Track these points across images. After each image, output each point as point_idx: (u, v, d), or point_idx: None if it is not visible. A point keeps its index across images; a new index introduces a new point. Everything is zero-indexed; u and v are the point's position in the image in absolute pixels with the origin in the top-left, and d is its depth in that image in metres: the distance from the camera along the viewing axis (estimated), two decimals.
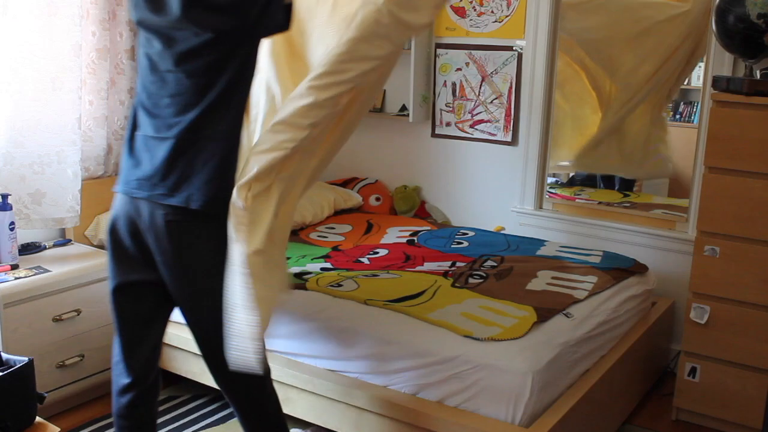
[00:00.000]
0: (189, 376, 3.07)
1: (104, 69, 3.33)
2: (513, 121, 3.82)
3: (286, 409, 2.50)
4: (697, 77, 3.71)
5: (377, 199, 4.16)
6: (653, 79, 3.69)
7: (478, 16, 3.84)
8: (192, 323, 2.18)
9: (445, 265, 3.17)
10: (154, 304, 2.21)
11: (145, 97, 2.12)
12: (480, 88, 3.89)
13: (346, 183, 4.23)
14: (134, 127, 2.15)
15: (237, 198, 2.04)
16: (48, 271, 2.92)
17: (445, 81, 3.99)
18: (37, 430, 1.88)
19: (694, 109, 3.85)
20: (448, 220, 4.10)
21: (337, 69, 2.09)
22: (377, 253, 3.34)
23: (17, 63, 2.96)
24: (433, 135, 4.09)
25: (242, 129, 2.13)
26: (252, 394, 2.25)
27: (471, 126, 3.96)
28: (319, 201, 3.81)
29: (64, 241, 3.25)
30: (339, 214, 3.91)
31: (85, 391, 3.08)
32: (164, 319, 2.29)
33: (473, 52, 3.88)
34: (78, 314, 2.97)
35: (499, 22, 3.78)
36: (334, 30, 2.23)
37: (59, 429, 1.90)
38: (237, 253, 2.02)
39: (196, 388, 3.14)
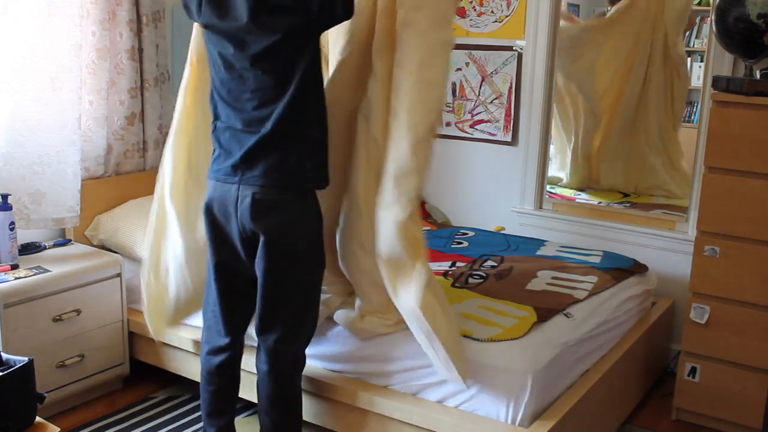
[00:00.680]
0: (189, 376, 3.07)
1: (104, 69, 3.32)
2: (513, 121, 3.81)
3: None
4: (697, 77, 3.71)
5: None
6: (621, 100, 3.81)
7: (478, 16, 3.84)
8: (269, 289, 2.38)
9: (445, 265, 3.17)
10: (248, 279, 2.44)
11: (225, 92, 2.31)
12: (480, 88, 3.89)
13: None
14: (215, 117, 2.37)
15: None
16: (48, 271, 2.92)
17: None
18: (37, 430, 1.88)
19: (694, 109, 3.85)
20: (448, 220, 4.10)
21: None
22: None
23: (17, 63, 2.96)
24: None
25: (325, 114, 2.35)
26: (285, 378, 2.46)
27: (471, 126, 3.96)
28: None
29: (64, 241, 3.25)
30: None
31: (85, 391, 3.08)
32: (255, 297, 2.48)
33: (473, 52, 3.88)
34: (78, 314, 2.97)
35: (499, 22, 3.78)
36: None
37: (59, 429, 1.90)
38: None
39: (196, 388, 3.13)
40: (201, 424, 2.92)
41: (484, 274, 3.05)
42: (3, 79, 2.95)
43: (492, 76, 3.84)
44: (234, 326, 2.52)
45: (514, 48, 3.75)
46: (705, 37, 3.74)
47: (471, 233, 3.69)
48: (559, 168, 3.99)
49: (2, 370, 1.84)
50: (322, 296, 2.56)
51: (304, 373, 2.60)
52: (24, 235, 3.14)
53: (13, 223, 2.91)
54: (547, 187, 3.85)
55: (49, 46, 3.02)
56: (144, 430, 2.92)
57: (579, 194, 3.92)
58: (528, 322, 2.56)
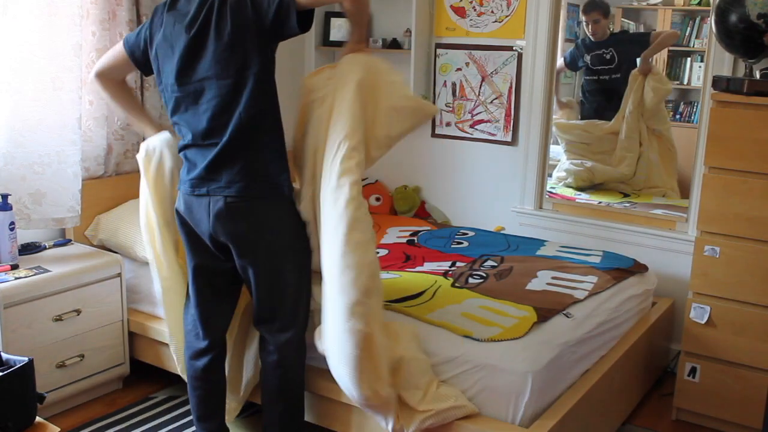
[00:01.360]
0: None
1: None
2: (513, 121, 3.81)
3: None
4: (697, 77, 3.71)
5: (377, 199, 4.16)
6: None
7: (478, 16, 3.84)
8: (260, 286, 2.44)
9: (445, 265, 3.17)
10: (229, 276, 2.51)
11: (181, 110, 2.38)
12: (480, 88, 3.89)
13: None
14: (182, 135, 2.43)
15: None
16: (48, 271, 2.92)
17: (445, 81, 3.99)
18: (37, 430, 1.88)
19: (694, 109, 3.85)
20: (448, 220, 4.10)
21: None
22: (377, 253, 3.34)
23: (17, 63, 2.96)
24: (433, 135, 4.09)
25: (280, 121, 2.39)
26: (287, 372, 2.51)
27: (471, 126, 3.96)
28: None
29: (64, 241, 3.24)
30: None
31: (85, 391, 3.08)
32: (235, 296, 2.62)
33: (473, 52, 3.88)
34: (78, 314, 2.97)
35: (499, 22, 3.78)
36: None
37: (59, 429, 1.90)
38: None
39: None
40: None
41: (484, 274, 3.05)
42: (3, 79, 2.95)
43: (492, 76, 3.84)
44: (214, 328, 2.57)
45: (514, 48, 3.75)
46: (705, 37, 3.74)
47: (471, 233, 3.69)
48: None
49: (2, 370, 1.84)
50: None
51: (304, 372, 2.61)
52: (24, 235, 3.14)
53: (13, 223, 2.91)
54: (547, 187, 3.85)
55: (49, 46, 3.02)
56: (144, 430, 2.92)
57: (579, 194, 3.93)
58: (528, 322, 2.56)
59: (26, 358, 1.91)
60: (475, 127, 3.94)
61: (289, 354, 2.52)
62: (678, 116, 3.99)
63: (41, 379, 2.17)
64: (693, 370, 3.05)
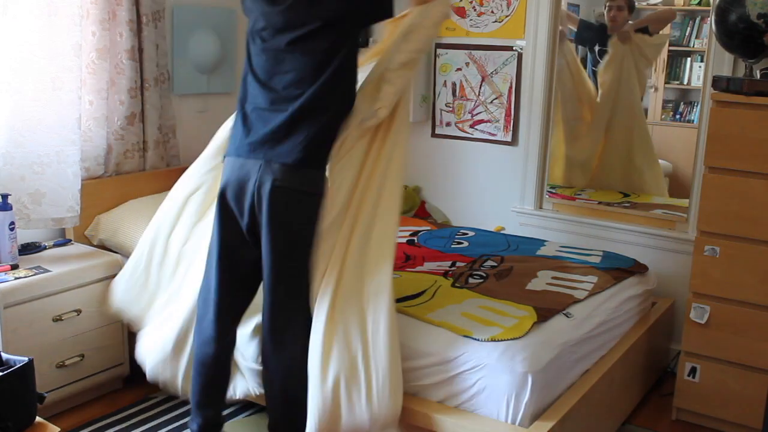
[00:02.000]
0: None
1: (104, 69, 3.32)
2: (513, 121, 3.81)
3: None
4: (697, 77, 3.71)
5: None
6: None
7: (478, 16, 3.84)
8: (273, 273, 2.40)
9: (445, 265, 3.17)
10: (251, 267, 2.47)
11: (258, 70, 2.38)
12: (480, 88, 3.89)
13: None
14: (244, 98, 2.43)
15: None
16: (48, 271, 2.92)
17: (445, 81, 3.99)
18: (37, 430, 1.88)
19: (694, 109, 3.85)
20: (448, 220, 4.10)
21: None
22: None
23: (17, 63, 2.96)
24: (433, 135, 4.09)
25: (353, 102, 2.42)
26: (294, 367, 2.46)
27: (471, 126, 3.96)
28: None
29: (64, 241, 3.24)
30: None
31: (85, 391, 3.08)
32: (253, 291, 2.56)
33: (473, 52, 3.88)
34: (78, 314, 2.97)
35: (499, 22, 3.78)
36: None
37: (59, 429, 1.90)
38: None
39: None
40: None
41: (484, 274, 3.05)
42: (3, 79, 2.95)
43: (492, 76, 3.84)
44: (228, 317, 2.54)
45: (514, 48, 3.76)
46: (705, 37, 3.74)
47: (471, 233, 3.69)
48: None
49: (2, 370, 1.84)
50: None
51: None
52: (24, 235, 3.13)
53: (13, 223, 2.91)
54: (547, 187, 3.85)
55: (49, 46, 3.02)
56: (144, 430, 2.92)
57: (579, 194, 3.93)
58: (528, 322, 2.56)
59: (26, 358, 1.91)
60: (475, 127, 3.94)
61: (294, 350, 2.50)
62: (678, 116, 3.99)
63: (41, 379, 2.17)
64: (693, 370, 3.05)
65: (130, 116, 3.45)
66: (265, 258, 2.41)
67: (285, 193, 2.34)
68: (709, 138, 2.90)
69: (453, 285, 2.92)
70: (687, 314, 3.03)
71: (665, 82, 4.22)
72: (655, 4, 3.96)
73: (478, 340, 2.47)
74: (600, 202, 3.80)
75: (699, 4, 3.82)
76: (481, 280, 2.98)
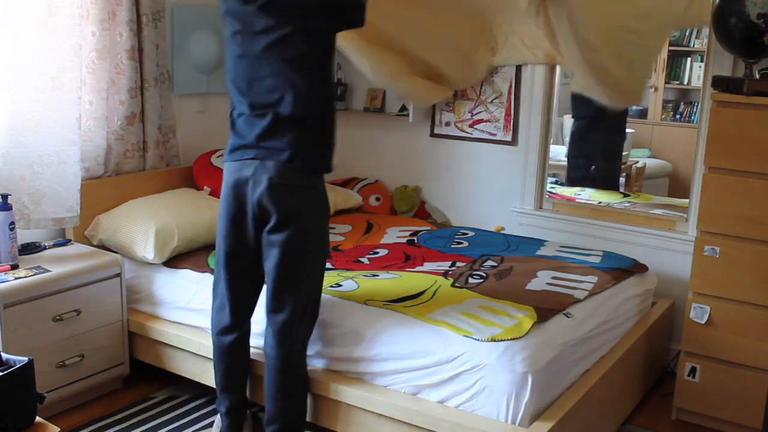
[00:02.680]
0: (189, 376, 3.07)
1: (104, 69, 3.32)
2: (513, 121, 3.81)
3: None
4: (697, 77, 3.72)
5: (377, 199, 4.16)
6: None
7: None
8: (281, 271, 2.48)
9: (445, 265, 3.17)
10: (258, 266, 2.56)
11: (238, 78, 2.46)
12: (480, 88, 3.89)
13: (345, 183, 4.23)
14: (231, 105, 2.52)
15: None
16: (48, 271, 2.92)
17: None
18: (37, 430, 1.88)
19: (694, 109, 3.85)
20: (448, 220, 4.10)
21: None
22: (377, 253, 3.34)
23: (17, 63, 2.96)
24: (433, 135, 4.09)
25: (334, 103, 2.54)
26: (292, 364, 2.56)
27: (471, 126, 3.95)
28: None
29: (64, 241, 3.24)
30: (339, 214, 3.91)
31: (85, 391, 3.08)
32: (263, 281, 2.63)
33: None
34: (78, 314, 2.97)
35: None
36: None
37: (59, 429, 1.90)
38: None
39: (196, 388, 3.15)
40: (201, 424, 2.93)
41: (484, 274, 3.05)
42: (3, 79, 2.95)
43: (492, 76, 3.84)
44: (242, 310, 2.66)
45: None
46: (705, 37, 3.74)
47: (471, 233, 3.69)
48: None
49: (2, 370, 1.84)
50: None
51: None
52: (24, 235, 3.13)
53: (13, 223, 2.91)
54: (547, 187, 3.85)
55: (49, 46, 3.02)
56: (144, 430, 2.92)
57: (579, 194, 3.93)
58: (528, 322, 2.56)
59: (26, 358, 1.91)
60: (475, 126, 3.94)
61: (292, 348, 2.55)
62: (678, 116, 4.00)
63: (41, 379, 2.16)
64: (693, 370, 3.05)
65: (129, 116, 3.45)
66: (270, 256, 2.49)
67: (282, 188, 2.42)
68: (709, 138, 2.90)
69: (453, 285, 2.92)
70: (687, 314, 3.03)
71: (665, 82, 4.23)
72: None
73: (478, 340, 2.47)
74: (600, 202, 3.80)
75: None
76: (481, 280, 2.98)
